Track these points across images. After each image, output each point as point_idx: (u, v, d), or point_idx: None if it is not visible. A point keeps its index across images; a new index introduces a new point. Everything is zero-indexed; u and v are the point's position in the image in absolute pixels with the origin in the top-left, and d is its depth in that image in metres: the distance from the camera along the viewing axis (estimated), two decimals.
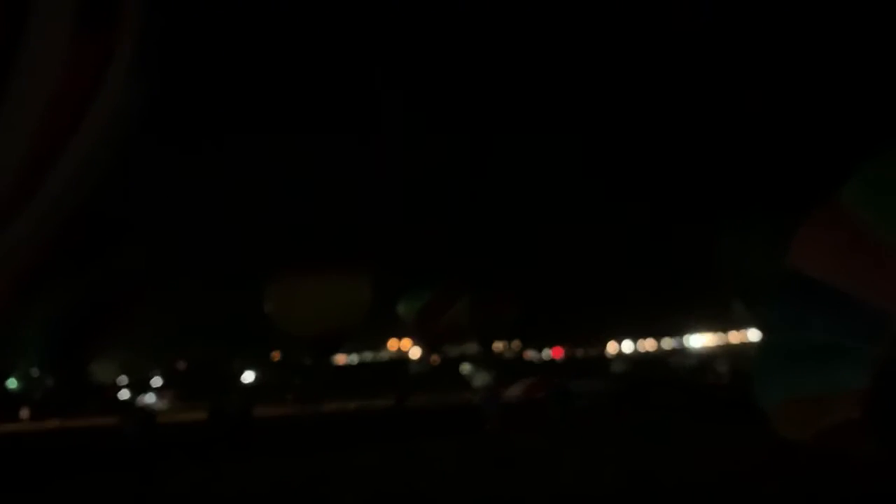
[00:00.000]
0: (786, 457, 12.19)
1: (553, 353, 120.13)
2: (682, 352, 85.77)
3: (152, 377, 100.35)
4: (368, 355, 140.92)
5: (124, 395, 56.23)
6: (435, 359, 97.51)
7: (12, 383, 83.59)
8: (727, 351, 76.27)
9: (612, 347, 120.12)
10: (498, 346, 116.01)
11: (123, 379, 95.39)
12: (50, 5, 18.71)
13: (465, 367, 67.79)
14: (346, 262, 67.63)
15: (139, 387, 78.15)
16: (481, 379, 51.29)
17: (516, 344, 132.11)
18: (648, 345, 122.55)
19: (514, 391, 29.32)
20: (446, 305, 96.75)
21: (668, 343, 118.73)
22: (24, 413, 47.62)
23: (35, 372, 69.82)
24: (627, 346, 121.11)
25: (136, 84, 24.36)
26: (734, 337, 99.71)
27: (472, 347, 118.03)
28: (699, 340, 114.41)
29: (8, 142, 18.96)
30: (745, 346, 69.95)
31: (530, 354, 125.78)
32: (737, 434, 15.94)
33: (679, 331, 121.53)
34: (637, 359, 75.90)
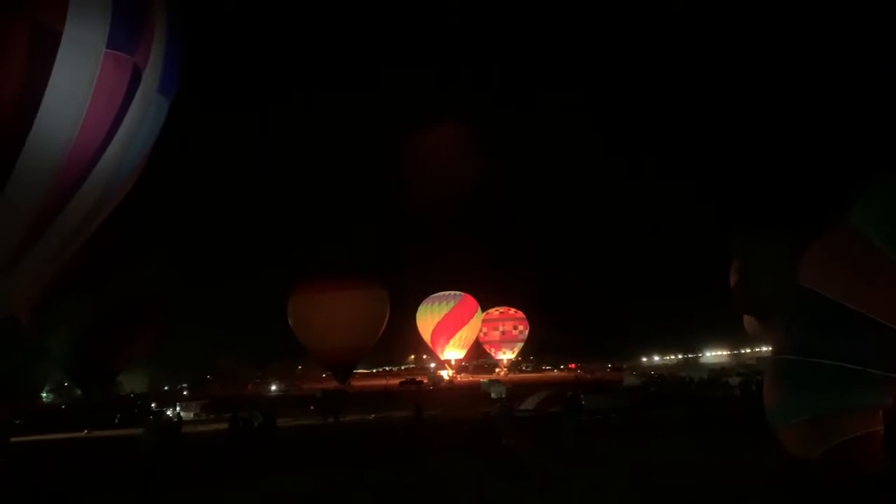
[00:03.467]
0: (796, 472, 12.49)
1: (569, 366, 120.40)
2: (694, 366, 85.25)
3: (180, 388, 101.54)
4: (388, 368, 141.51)
5: (152, 405, 56.99)
6: (453, 373, 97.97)
7: (45, 394, 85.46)
8: (739, 364, 75.82)
9: (625, 361, 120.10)
10: (516, 359, 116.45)
11: (152, 390, 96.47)
12: (81, 31, 19.65)
13: (483, 380, 68.09)
14: (367, 278, 68.29)
15: (167, 398, 79.02)
16: (497, 392, 51.48)
17: (534, 358, 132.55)
18: (661, 359, 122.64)
19: (528, 405, 29.60)
20: (463, 320, 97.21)
21: (681, 357, 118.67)
22: None
23: (66, 383, 71.24)
24: (640, 360, 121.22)
25: (161, 104, 25.24)
26: (746, 352, 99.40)
27: (490, 360, 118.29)
28: (712, 355, 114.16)
29: (38, 164, 19.87)
30: (757, 361, 69.70)
31: (547, 367, 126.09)
32: (747, 449, 16.28)
33: (692, 345, 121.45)
34: (650, 372, 75.54)
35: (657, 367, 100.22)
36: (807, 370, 12.40)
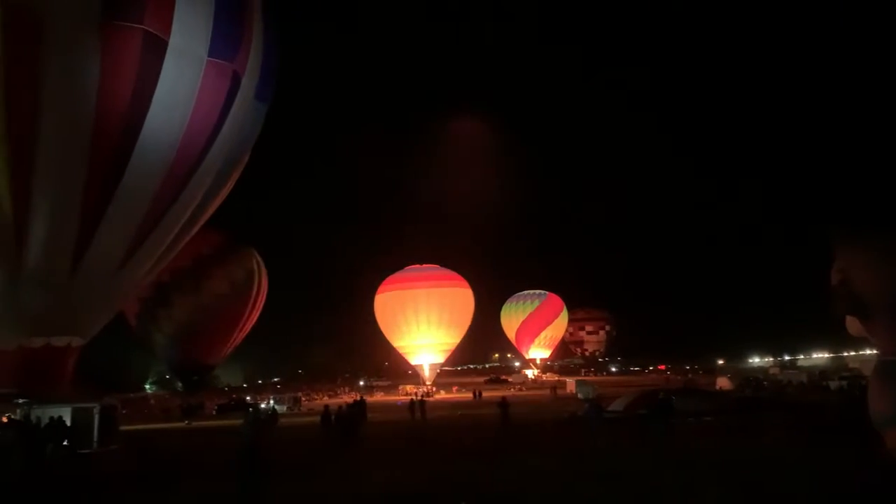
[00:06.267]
0: None
1: (658, 367, 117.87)
2: (792, 368, 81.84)
3: (273, 382, 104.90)
4: (473, 366, 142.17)
5: (247, 398, 59.27)
6: (538, 372, 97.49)
7: (148, 386, 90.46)
8: (841, 368, 72.25)
9: (719, 363, 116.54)
10: (603, 360, 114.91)
11: (247, 383, 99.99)
12: (185, 41, 20.67)
13: (569, 381, 67.50)
14: (451, 276, 68.89)
15: (261, 390, 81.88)
16: (585, 392, 50.94)
17: (622, 358, 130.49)
18: (758, 361, 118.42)
19: (618, 405, 29.16)
20: (548, 319, 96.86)
21: (778, 359, 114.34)
22: None
23: (168, 376, 75.22)
24: (735, 362, 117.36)
25: (258, 109, 26.25)
26: (850, 354, 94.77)
27: (575, 361, 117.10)
28: (811, 357, 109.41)
29: (150, 160, 21.03)
30: (860, 364, 66.33)
31: (636, 368, 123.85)
32: (847, 455, 15.60)
33: (789, 347, 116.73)
34: (745, 375, 72.98)
35: (752, 369, 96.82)
36: None
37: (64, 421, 22.10)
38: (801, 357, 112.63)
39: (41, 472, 18.24)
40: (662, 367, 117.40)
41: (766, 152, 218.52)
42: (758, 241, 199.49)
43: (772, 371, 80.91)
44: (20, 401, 22.41)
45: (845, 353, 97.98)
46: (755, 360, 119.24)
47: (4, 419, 21.86)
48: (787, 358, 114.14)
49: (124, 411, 39.75)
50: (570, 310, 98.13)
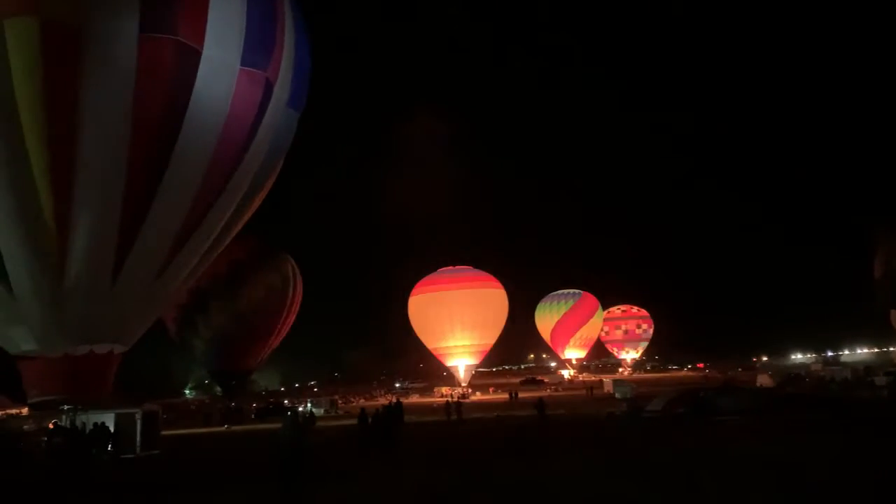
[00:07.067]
0: None
1: (697, 365, 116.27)
2: (835, 364, 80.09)
3: (310, 385, 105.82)
4: (508, 367, 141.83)
5: (285, 402, 59.86)
6: (574, 372, 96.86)
7: (188, 391, 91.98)
8: (886, 363, 70.47)
9: (762, 360, 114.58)
10: (640, 359, 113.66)
11: (284, 387, 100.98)
12: (219, 51, 20.91)
13: (606, 380, 66.99)
14: (485, 277, 68.69)
15: (299, 394, 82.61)
16: (623, 392, 50.49)
17: (659, 357, 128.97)
18: (800, 357, 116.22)
19: (656, 405, 28.81)
20: (584, 318, 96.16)
21: (821, 355, 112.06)
22: None
23: (207, 381, 76.49)
24: (776, 359, 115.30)
25: (291, 116, 26.44)
26: (893, 349, 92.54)
27: (612, 360, 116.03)
28: (855, 353, 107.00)
29: (187, 166, 21.32)
30: None
31: (673, 367, 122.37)
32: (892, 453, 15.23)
33: (832, 342, 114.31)
34: (787, 371, 71.62)
35: (794, 366, 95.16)
36: None
37: (107, 426, 22.56)
38: (845, 353, 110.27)
39: (86, 476, 18.65)
40: (701, 365, 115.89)
41: (807, 149, 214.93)
42: (799, 236, 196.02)
43: (814, 367, 79.37)
44: (65, 407, 22.93)
45: (890, 349, 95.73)
46: (797, 357, 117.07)
47: (51, 425, 22.42)
48: (829, 354, 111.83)
49: (165, 416, 40.39)
50: (605, 308, 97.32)
